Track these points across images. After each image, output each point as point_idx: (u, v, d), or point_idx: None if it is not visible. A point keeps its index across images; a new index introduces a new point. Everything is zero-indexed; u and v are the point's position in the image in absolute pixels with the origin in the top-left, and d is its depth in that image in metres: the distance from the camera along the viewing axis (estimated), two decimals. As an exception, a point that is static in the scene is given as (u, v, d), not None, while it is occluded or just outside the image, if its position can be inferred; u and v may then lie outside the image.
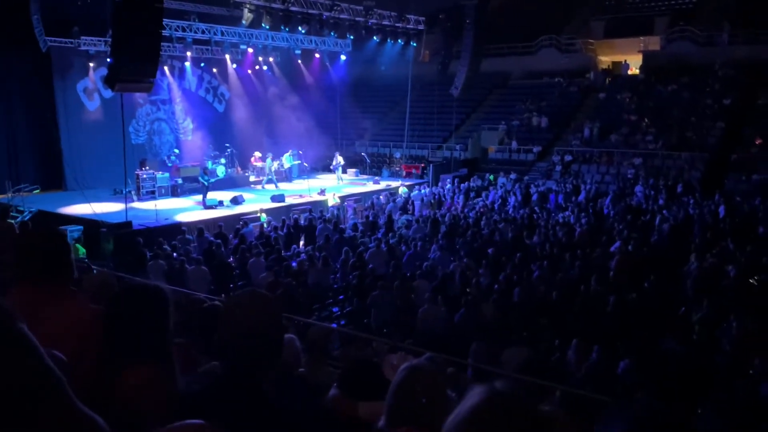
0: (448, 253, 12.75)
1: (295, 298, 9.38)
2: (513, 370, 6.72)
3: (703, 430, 5.41)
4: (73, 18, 20.53)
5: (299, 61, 27.82)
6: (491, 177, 24.40)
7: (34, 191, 19.72)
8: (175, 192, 21.09)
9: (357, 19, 23.78)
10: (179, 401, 1.68)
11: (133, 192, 19.57)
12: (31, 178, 20.59)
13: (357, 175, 26.96)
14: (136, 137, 24.28)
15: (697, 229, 14.58)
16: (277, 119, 28.28)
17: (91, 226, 15.72)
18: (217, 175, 22.19)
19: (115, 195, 19.97)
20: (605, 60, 31.16)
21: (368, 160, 28.08)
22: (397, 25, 25.45)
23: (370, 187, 24.16)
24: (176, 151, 23.81)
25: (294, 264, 11.79)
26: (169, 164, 22.38)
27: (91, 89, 22.86)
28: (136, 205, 18.80)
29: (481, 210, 18.50)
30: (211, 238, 13.97)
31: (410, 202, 20.48)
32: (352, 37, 25.36)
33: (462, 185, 22.72)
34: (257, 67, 27.63)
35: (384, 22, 24.89)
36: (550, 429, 1.16)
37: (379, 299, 9.45)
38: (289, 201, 20.14)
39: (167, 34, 19.74)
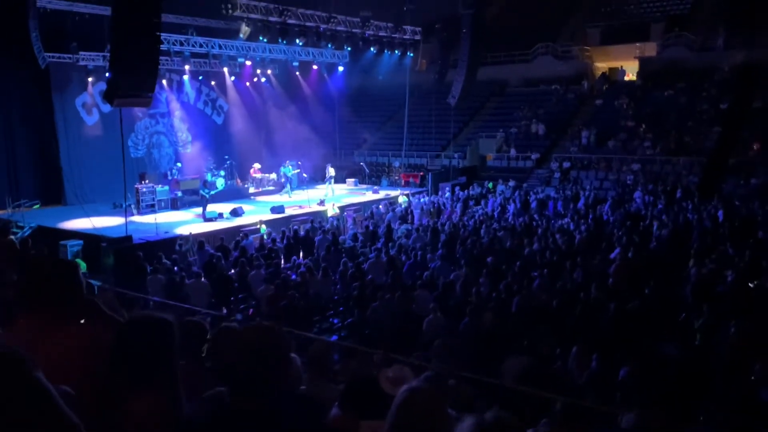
0: (448, 263, 12.76)
1: (297, 311, 9.40)
2: (513, 380, 6.73)
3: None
4: (71, 33, 20.61)
5: (297, 73, 27.94)
6: (490, 185, 24.46)
7: (34, 206, 19.77)
8: (175, 205, 21.13)
9: (354, 30, 23.95)
10: (185, 428, 1.72)
11: (132, 206, 19.60)
12: (30, 194, 20.66)
13: (356, 185, 27.04)
14: (135, 151, 24.35)
15: (695, 234, 14.61)
16: (275, 131, 28.39)
17: (91, 240, 15.74)
18: (217, 188, 22.25)
19: (115, 209, 19.99)
20: (602, 66, 31.30)
21: (367, 170, 28.15)
22: (393, 35, 25.63)
23: (370, 196, 24.21)
24: (178, 165, 23.88)
25: (294, 276, 11.82)
26: (170, 177, 22.46)
27: (89, 104, 22.94)
28: (136, 218, 18.84)
29: (481, 218, 18.54)
30: (212, 251, 13.99)
31: (409, 211, 20.52)
32: (349, 49, 25.49)
33: (461, 193, 22.77)
34: (255, 79, 27.75)
35: (380, 33, 25.06)
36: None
37: (379, 310, 9.46)
38: (288, 212, 20.18)
39: (165, 48, 19.86)
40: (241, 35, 21.01)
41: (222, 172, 23.83)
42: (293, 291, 10.36)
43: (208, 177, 22.57)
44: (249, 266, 12.59)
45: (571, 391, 6.55)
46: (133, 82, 13.41)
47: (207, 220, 18.84)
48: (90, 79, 22.36)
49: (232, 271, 12.83)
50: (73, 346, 1.97)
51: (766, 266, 10.97)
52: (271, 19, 20.84)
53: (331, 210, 20.69)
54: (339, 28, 23.42)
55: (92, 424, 1.17)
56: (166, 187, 21.44)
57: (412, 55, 27.50)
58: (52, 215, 19.27)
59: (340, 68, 28.71)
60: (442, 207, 21.15)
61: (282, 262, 13.77)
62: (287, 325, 7.29)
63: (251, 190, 24.72)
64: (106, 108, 21.02)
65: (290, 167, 25.25)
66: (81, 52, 21.09)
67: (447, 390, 4.26)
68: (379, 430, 1.88)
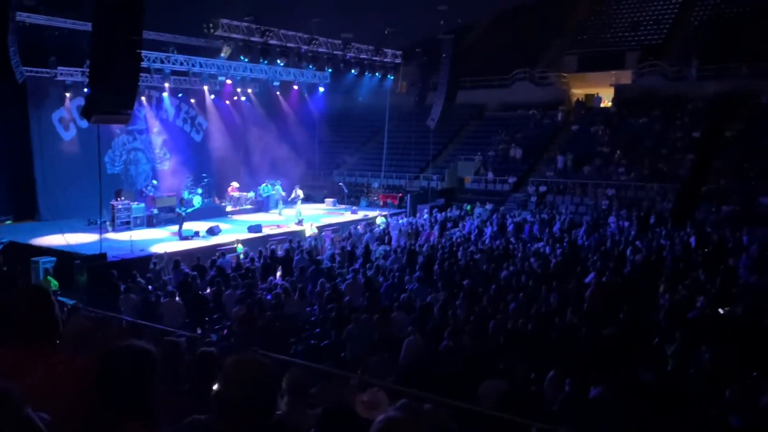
0: (426, 285, 12.78)
1: (273, 332, 9.32)
2: (490, 404, 6.74)
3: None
4: (50, 47, 20.48)
5: (278, 93, 28.00)
6: (468, 207, 24.63)
7: (7, 222, 19.41)
8: (150, 222, 20.91)
9: (335, 52, 24.14)
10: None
11: (107, 222, 19.35)
12: (3, 208, 20.30)
13: (335, 205, 27.03)
14: (111, 167, 24.10)
15: (668, 260, 14.85)
16: (254, 149, 28.33)
17: (64, 257, 15.48)
18: (194, 205, 22.10)
19: (90, 226, 19.76)
20: (578, 93, 31.87)
21: (346, 190, 28.19)
22: (374, 58, 25.88)
23: (348, 217, 24.22)
24: (154, 182, 23.63)
25: (269, 297, 11.73)
26: (145, 194, 22.24)
27: (66, 119, 22.71)
28: (111, 236, 18.57)
29: (458, 240, 18.62)
30: (187, 270, 13.85)
31: (387, 232, 20.56)
32: (330, 70, 25.66)
33: (439, 215, 22.89)
34: (235, 97, 27.75)
35: (362, 56, 25.29)
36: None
37: (354, 332, 9.42)
38: (266, 231, 20.09)
39: (145, 66, 19.77)
40: (222, 54, 21.03)
41: (199, 190, 23.68)
42: (269, 312, 10.28)
43: (185, 194, 22.40)
44: (225, 286, 12.48)
45: (546, 415, 6.58)
46: (113, 99, 13.33)
47: (183, 238, 18.66)
48: (68, 95, 22.16)
49: (208, 290, 12.70)
50: (48, 377, 1.95)
51: (736, 293, 11.17)
52: (252, 39, 20.92)
53: (309, 230, 20.64)
54: (320, 49, 23.59)
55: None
56: (142, 205, 21.23)
57: (392, 77, 27.76)
58: (24, 231, 18.93)
59: (321, 89, 28.85)
60: (421, 228, 21.22)
61: (259, 282, 13.66)
62: (262, 347, 7.23)
63: (228, 208, 24.59)
64: (84, 123, 20.81)
65: (270, 186, 25.21)
66: (59, 67, 20.93)
67: (423, 415, 4.26)
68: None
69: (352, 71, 25.71)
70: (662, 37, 31.83)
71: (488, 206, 24.07)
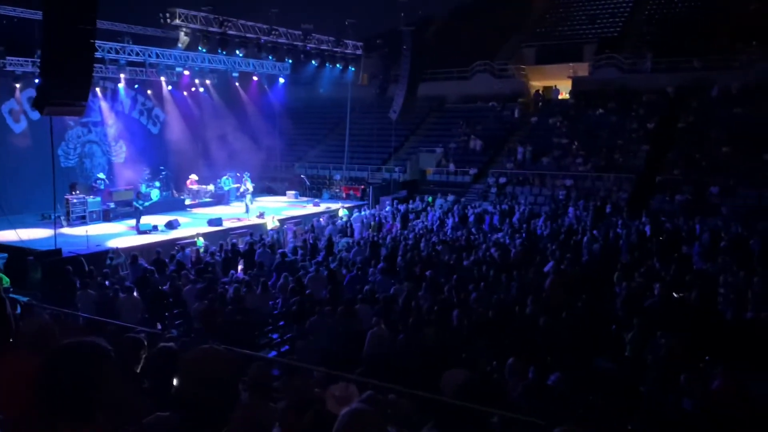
0: (389, 276, 12.83)
1: (234, 327, 9.22)
2: (452, 393, 6.82)
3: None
4: (-2, 37, 19.78)
5: (237, 84, 27.62)
6: (429, 199, 24.77)
7: (-46, 217, 18.66)
8: (107, 217, 20.47)
9: (295, 43, 23.91)
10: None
11: (62, 217, 18.86)
12: (-50, 204, 19.55)
13: (296, 198, 26.86)
14: (65, 160, 23.45)
15: (624, 249, 15.22)
16: (214, 142, 27.90)
17: (16, 253, 15.05)
18: (152, 199, 21.68)
19: (43, 220, 19.25)
20: (537, 85, 32.28)
21: (308, 183, 28.04)
22: (335, 49, 25.73)
23: (310, 209, 24.11)
24: (100, 175, 22.80)
25: (231, 290, 11.61)
26: (97, 188, 21.65)
27: (17, 111, 21.97)
28: (66, 230, 18.12)
29: (421, 232, 18.73)
30: (145, 265, 13.60)
31: (349, 224, 20.55)
32: (290, 61, 25.42)
33: (401, 207, 22.97)
34: (193, 89, 27.27)
35: (322, 47, 25.12)
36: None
37: (317, 325, 9.40)
38: (226, 225, 19.85)
39: (99, 56, 19.28)
40: (180, 45, 20.63)
41: (157, 183, 23.24)
42: (230, 306, 10.18)
43: (143, 188, 21.96)
44: (185, 280, 12.29)
45: (508, 404, 6.69)
46: (65, 91, 12.94)
47: (141, 232, 18.32)
48: (17, 86, 21.44)
49: (167, 285, 12.49)
50: (5, 374, 1.89)
51: (690, 280, 11.51)
52: (210, 29, 20.56)
53: (271, 223, 20.47)
54: (280, 40, 23.33)
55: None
56: (98, 198, 20.75)
57: (353, 69, 27.67)
58: (-27, 227, 18.30)
59: (281, 80, 28.56)
60: (383, 220, 21.27)
61: (220, 276, 13.49)
62: (225, 342, 7.15)
63: (188, 201, 24.21)
64: (35, 115, 20.17)
65: (230, 180, 24.89)
66: (8, 57, 20.22)
67: (387, 406, 4.28)
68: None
69: (313, 62, 25.52)
70: (618, 30, 32.45)
71: (450, 197, 24.26)
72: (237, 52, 22.69)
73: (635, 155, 24.05)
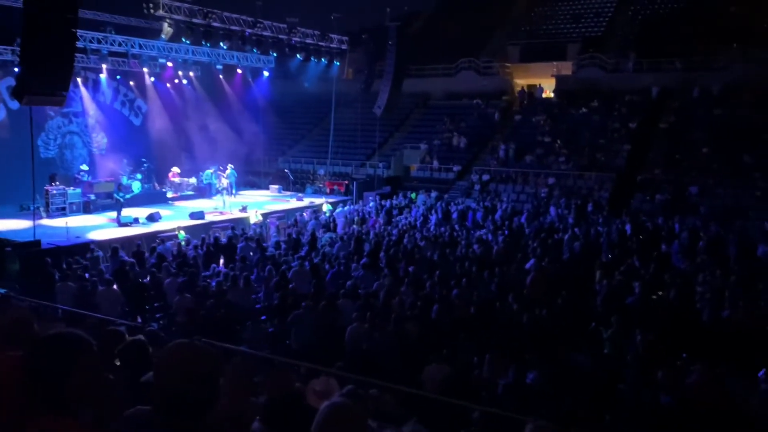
0: (371, 272, 12.84)
1: (216, 321, 9.19)
2: (435, 388, 6.86)
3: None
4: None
5: (221, 76, 27.39)
6: (413, 195, 24.81)
7: (-70, 208, 18.37)
8: (87, 208, 20.24)
9: (280, 36, 23.76)
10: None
11: (41, 208, 18.63)
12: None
13: (280, 192, 26.75)
14: (45, 151, 23.12)
15: (605, 247, 15.37)
16: (196, 135, 27.65)
17: (-6, 244, 14.82)
18: (133, 191, 21.47)
19: (22, 212, 19.01)
20: (521, 83, 32.41)
21: (291, 177, 27.93)
22: (320, 43, 25.62)
23: (294, 204, 24.02)
24: (84, 167, 22.56)
25: (213, 284, 11.56)
26: (80, 180, 21.40)
27: (-5, 100, 21.64)
28: (45, 222, 17.91)
29: (404, 228, 18.77)
30: (126, 257, 13.48)
31: (332, 219, 20.52)
32: (275, 54, 25.24)
33: (385, 203, 22.98)
34: (177, 81, 26.99)
35: (307, 41, 25.00)
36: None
37: (300, 319, 9.39)
38: (209, 218, 19.73)
39: (81, 46, 19.01)
40: (163, 36, 20.42)
41: (139, 176, 23.02)
42: (212, 300, 10.13)
43: (124, 180, 21.76)
44: (165, 273, 12.22)
45: (488, 399, 6.75)
46: (46, 80, 12.78)
47: (122, 224, 18.15)
48: (-4, 74, 21.11)
49: (147, 278, 12.40)
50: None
51: (668, 278, 11.66)
52: (194, 20, 20.36)
53: (254, 217, 20.38)
54: (265, 33, 23.16)
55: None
56: (79, 190, 20.51)
57: (338, 63, 27.58)
58: (-51, 217, 18.02)
59: (266, 73, 28.37)
60: (367, 216, 21.27)
61: (201, 269, 13.42)
62: (207, 336, 7.12)
63: (169, 194, 24.01)
64: (15, 104, 19.84)
65: (212, 173, 24.68)
66: (-14, 45, 19.90)
67: (368, 401, 4.30)
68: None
69: (298, 56, 25.39)
70: (602, 30, 32.68)
71: (433, 194, 24.31)
72: (221, 44, 22.50)
73: (617, 155, 24.26)
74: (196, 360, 1.79)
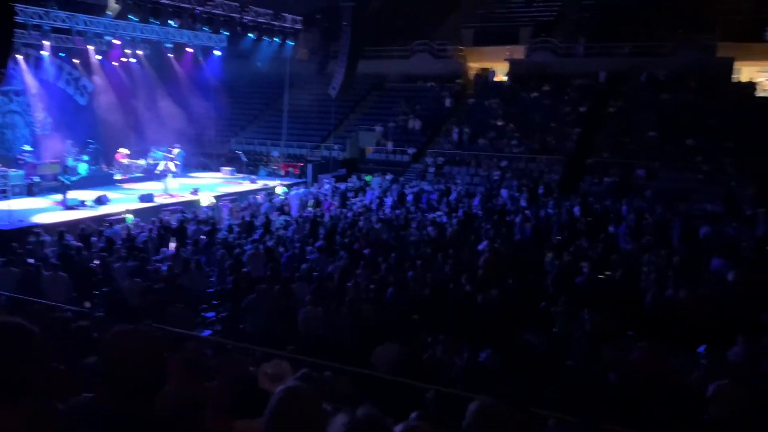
0: (327, 255, 12.82)
1: (166, 306, 9.04)
2: (385, 369, 6.93)
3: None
4: None
5: (170, 55, 26.64)
6: (368, 178, 24.80)
7: None
8: (31, 191, 19.54)
9: (232, 15, 23.25)
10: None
11: (-20, 191, 17.90)
12: None
13: (232, 174, 26.35)
14: (-16, 131, 22.17)
15: (555, 229, 15.73)
16: (145, 115, 26.89)
17: (-70, 229, 14.21)
18: (79, 173, 20.81)
19: (-40, 195, 18.20)
20: (474, 66, 32.61)
21: (244, 159, 27.52)
22: (273, 23, 25.19)
23: (247, 186, 23.71)
24: (26, 147, 21.70)
25: (164, 268, 11.36)
26: (24, 161, 20.62)
27: (-71, 77, 20.54)
28: (-15, 205, 17.21)
29: (359, 210, 18.76)
30: (72, 241, 13.10)
31: (287, 202, 20.35)
32: (226, 33, 24.71)
33: (340, 185, 22.91)
34: (124, 59, 26.12)
35: (260, 20, 24.54)
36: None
37: (254, 303, 9.33)
38: (158, 201, 19.31)
39: (21, 20, 18.19)
40: (109, 12, 19.72)
41: (85, 157, 22.31)
42: (163, 284, 9.96)
43: (70, 161, 21.06)
44: (114, 257, 11.93)
45: (444, 379, 6.86)
46: (-17, 56, 12.21)
47: (68, 207, 17.61)
48: (-71, 49, 20.01)
49: (96, 262, 12.08)
50: None
51: (615, 259, 12.02)
52: (142, -4, 19.73)
53: (206, 199, 20.03)
54: (216, 11, 22.64)
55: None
56: (21, 172, 19.77)
57: (292, 43, 27.19)
58: None
59: (217, 53, 27.75)
60: (322, 198, 21.17)
61: (150, 254, 13.15)
62: (157, 321, 7.01)
63: (117, 176, 23.38)
64: (-50, 82, 18.93)
65: (160, 153, 24.04)
66: None
67: (323, 384, 4.32)
68: (254, 428, 1.89)
69: (250, 35, 24.91)
70: (554, 15, 33.10)
71: (388, 177, 24.34)
72: (170, 22, 21.85)
73: (567, 138, 24.74)
74: (141, 344, 1.77)
